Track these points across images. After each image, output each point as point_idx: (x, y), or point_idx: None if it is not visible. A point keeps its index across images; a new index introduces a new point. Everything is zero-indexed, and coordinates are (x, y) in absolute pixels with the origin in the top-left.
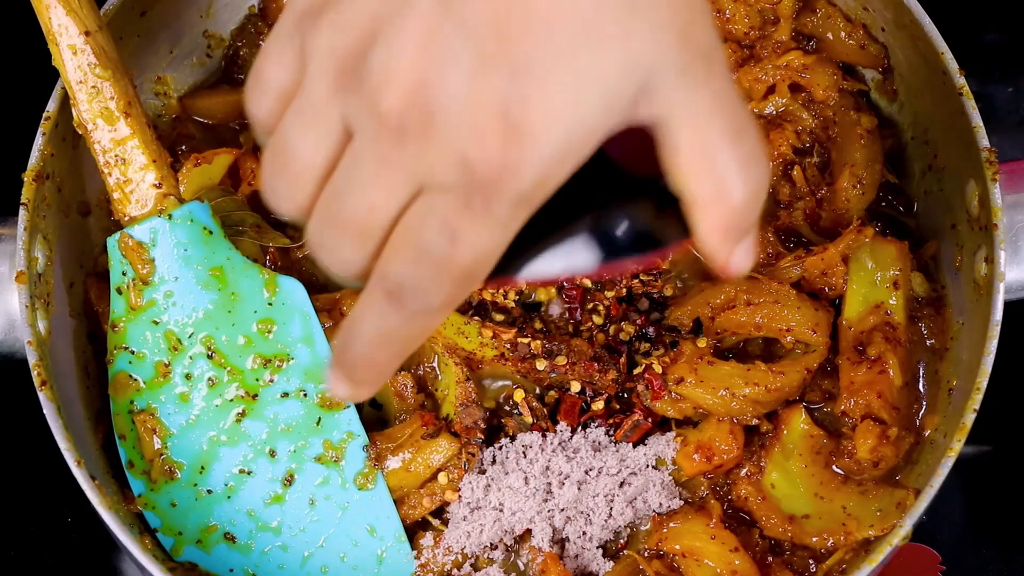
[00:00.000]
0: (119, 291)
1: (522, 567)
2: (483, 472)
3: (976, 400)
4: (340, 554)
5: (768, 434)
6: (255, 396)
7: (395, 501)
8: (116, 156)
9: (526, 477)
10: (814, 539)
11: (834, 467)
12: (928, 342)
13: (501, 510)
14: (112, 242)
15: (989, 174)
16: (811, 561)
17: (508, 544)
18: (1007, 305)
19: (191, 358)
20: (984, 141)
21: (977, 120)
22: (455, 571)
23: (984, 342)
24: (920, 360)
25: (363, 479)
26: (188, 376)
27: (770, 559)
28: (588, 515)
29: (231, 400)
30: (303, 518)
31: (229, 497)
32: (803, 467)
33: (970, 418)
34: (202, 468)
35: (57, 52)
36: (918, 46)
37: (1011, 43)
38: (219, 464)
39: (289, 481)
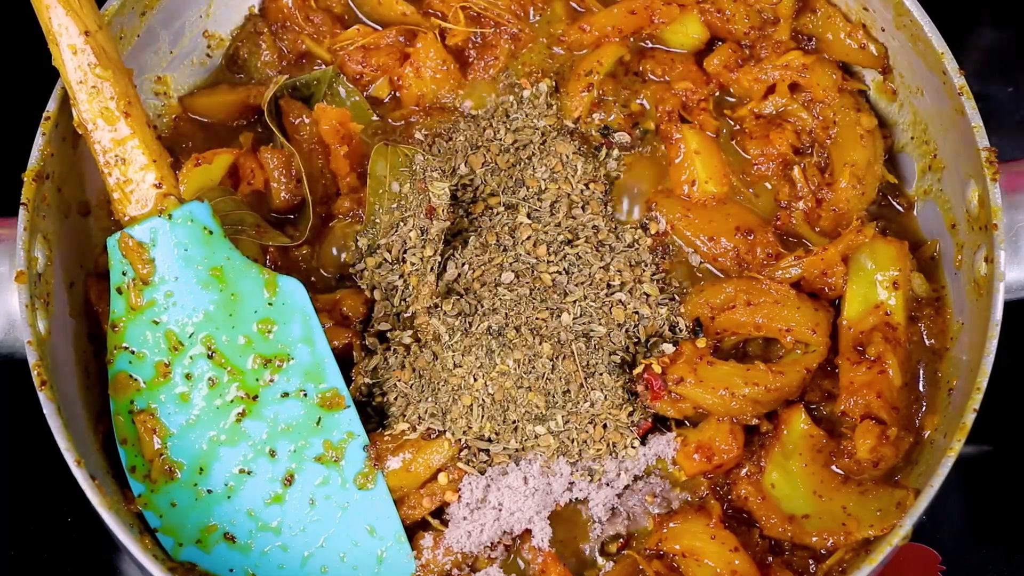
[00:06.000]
0: (119, 291)
1: (522, 567)
2: (483, 472)
3: (976, 400)
4: (340, 554)
5: (768, 434)
6: (255, 396)
7: (395, 501)
8: (116, 156)
9: (525, 477)
10: (814, 539)
11: (834, 467)
12: (928, 342)
13: (500, 510)
14: (112, 242)
15: (989, 174)
16: (811, 561)
17: (508, 544)
18: (1007, 305)
19: (191, 358)
20: (984, 141)
21: (977, 120)
22: (455, 571)
23: (984, 342)
24: (920, 360)
25: (363, 479)
26: (188, 376)
27: (770, 559)
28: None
29: (231, 400)
30: (303, 518)
31: (229, 497)
32: (803, 467)
33: (970, 418)
34: (202, 468)
35: (57, 52)
36: (918, 46)
37: (1011, 43)
38: (219, 464)
39: (289, 481)
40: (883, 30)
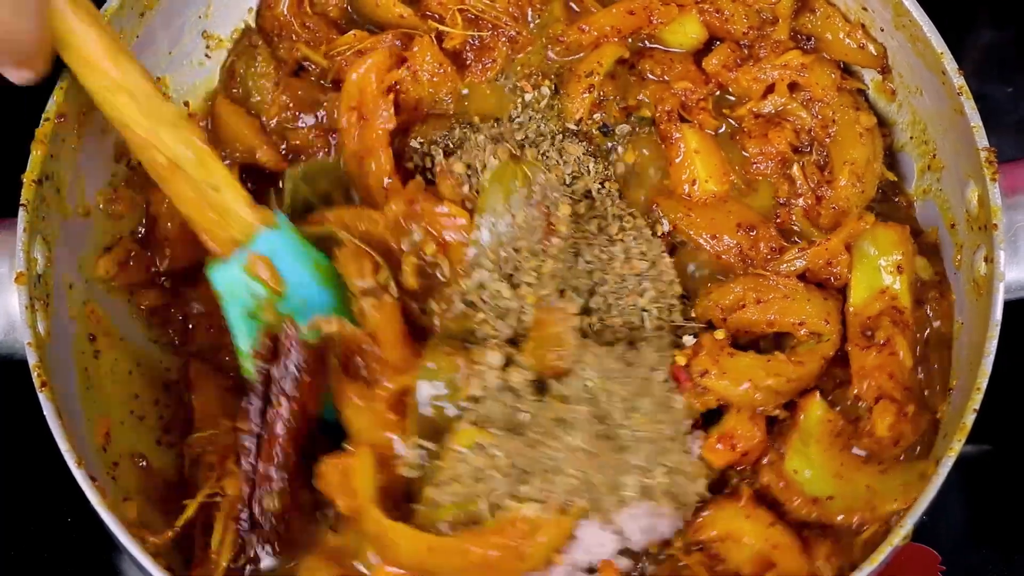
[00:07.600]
0: (251, 317)
1: None
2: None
3: (976, 400)
4: None
5: (786, 421)
6: None
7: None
8: (209, 184)
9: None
10: (840, 517)
11: (854, 449)
12: (934, 324)
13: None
14: (233, 270)
15: (988, 174)
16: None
17: None
18: (1007, 305)
19: None
20: (983, 141)
21: (976, 120)
22: None
23: (984, 342)
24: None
25: None
26: None
27: (804, 533)
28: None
29: None
30: None
31: None
32: (823, 451)
33: (970, 418)
34: None
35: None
36: (917, 46)
37: (1010, 43)
38: None
39: None
40: (882, 30)
